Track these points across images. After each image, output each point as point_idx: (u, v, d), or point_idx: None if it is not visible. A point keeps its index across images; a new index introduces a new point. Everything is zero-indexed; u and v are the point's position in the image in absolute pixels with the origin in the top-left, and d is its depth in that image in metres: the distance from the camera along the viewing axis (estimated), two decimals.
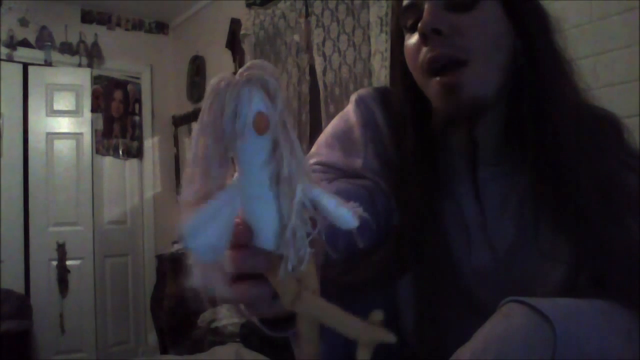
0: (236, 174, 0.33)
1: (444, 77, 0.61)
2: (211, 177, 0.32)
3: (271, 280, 0.34)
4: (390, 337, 0.34)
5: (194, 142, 0.32)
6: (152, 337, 4.12)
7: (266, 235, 0.33)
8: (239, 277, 0.34)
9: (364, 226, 0.37)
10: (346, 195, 0.37)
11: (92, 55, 4.20)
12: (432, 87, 0.62)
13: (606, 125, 0.70)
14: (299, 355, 0.37)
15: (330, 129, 0.74)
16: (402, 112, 0.69)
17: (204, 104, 0.32)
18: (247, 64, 0.33)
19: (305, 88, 3.09)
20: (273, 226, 0.33)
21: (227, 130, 0.31)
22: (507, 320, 0.47)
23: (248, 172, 0.33)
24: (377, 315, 0.35)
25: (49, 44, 4.02)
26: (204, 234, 0.31)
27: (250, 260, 0.33)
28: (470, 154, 0.66)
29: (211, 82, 0.32)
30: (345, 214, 0.35)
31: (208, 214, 0.31)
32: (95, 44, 4.23)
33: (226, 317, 2.88)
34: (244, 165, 0.33)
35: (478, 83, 0.61)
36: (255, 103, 0.31)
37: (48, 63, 4.02)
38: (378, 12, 2.54)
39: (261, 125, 0.32)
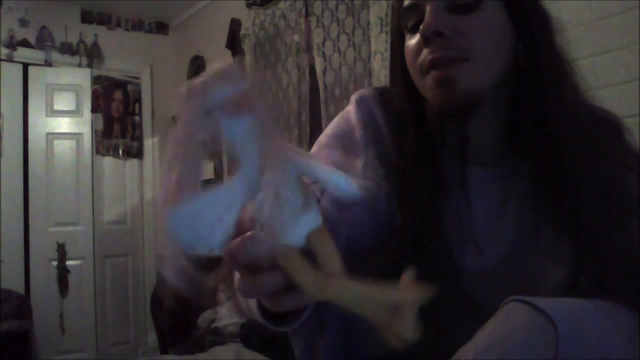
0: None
1: (438, 70, 0.61)
2: (186, 177, 0.32)
3: (290, 273, 0.33)
4: (430, 290, 0.34)
5: (170, 147, 0.33)
6: (152, 337, 4.11)
7: (275, 227, 0.33)
8: (254, 271, 0.34)
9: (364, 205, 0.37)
10: None
11: (92, 55, 4.19)
12: (427, 81, 0.63)
13: (606, 125, 0.70)
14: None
15: (330, 129, 0.74)
16: (403, 112, 0.69)
17: (179, 113, 0.33)
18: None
19: (305, 88, 3.09)
20: (280, 217, 0.33)
21: (200, 129, 0.32)
22: (509, 319, 0.47)
23: (241, 160, 0.33)
24: (409, 274, 0.35)
25: (49, 44, 4.02)
26: (193, 224, 0.31)
27: (250, 245, 0.33)
28: (462, 151, 0.66)
29: (178, 93, 0.33)
30: (343, 181, 0.35)
31: (197, 205, 0.32)
32: (95, 44, 4.22)
33: (226, 317, 2.88)
34: (233, 154, 0.33)
35: (472, 78, 0.61)
36: (222, 89, 0.32)
37: (48, 63, 4.01)
38: (378, 12, 2.54)
39: (235, 108, 0.32)
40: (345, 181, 0.35)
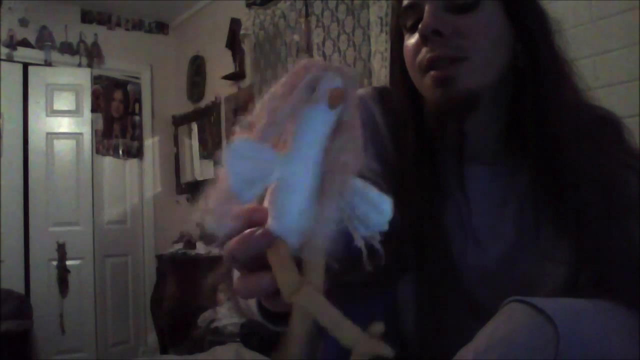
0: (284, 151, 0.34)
1: (437, 70, 0.61)
2: (270, 126, 0.33)
3: (273, 267, 0.33)
4: (387, 351, 0.33)
5: (260, 105, 0.34)
6: (152, 337, 4.12)
7: (283, 220, 0.33)
8: (253, 269, 0.34)
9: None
10: None
11: (92, 55, 4.20)
12: (425, 81, 0.63)
13: (606, 125, 0.70)
14: (278, 355, 0.36)
15: None
16: (402, 111, 0.69)
17: (284, 78, 0.34)
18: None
19: None
20: (294, 212, 0.33)
21: (296, 98, 0.33)
22: (510, 320, 0.47)
23: (299, 143, 0.33)
24: (377, 327, 0.34)
25: (49, 44, 4.02)
26: (243, 163, 0.32)
27: (252, 240, 0.33)
28: (459, 148, 0.66)
29: (300, 62, 0.34)
30: (387, 209, 0.36)
31: (254, 151, 0.32)
32: (95, 44, 4.23)
33: (226, 317, 2.88)
34: (300, 135, 0.33)
35: (472, 78, 0.61)
36: (336, 80, 0.33)
37: (48, 63, 4.01)
38: (378, 12, 2.54)
39: (336, 97, 0.33)
40: (388, 211, 0.36)
